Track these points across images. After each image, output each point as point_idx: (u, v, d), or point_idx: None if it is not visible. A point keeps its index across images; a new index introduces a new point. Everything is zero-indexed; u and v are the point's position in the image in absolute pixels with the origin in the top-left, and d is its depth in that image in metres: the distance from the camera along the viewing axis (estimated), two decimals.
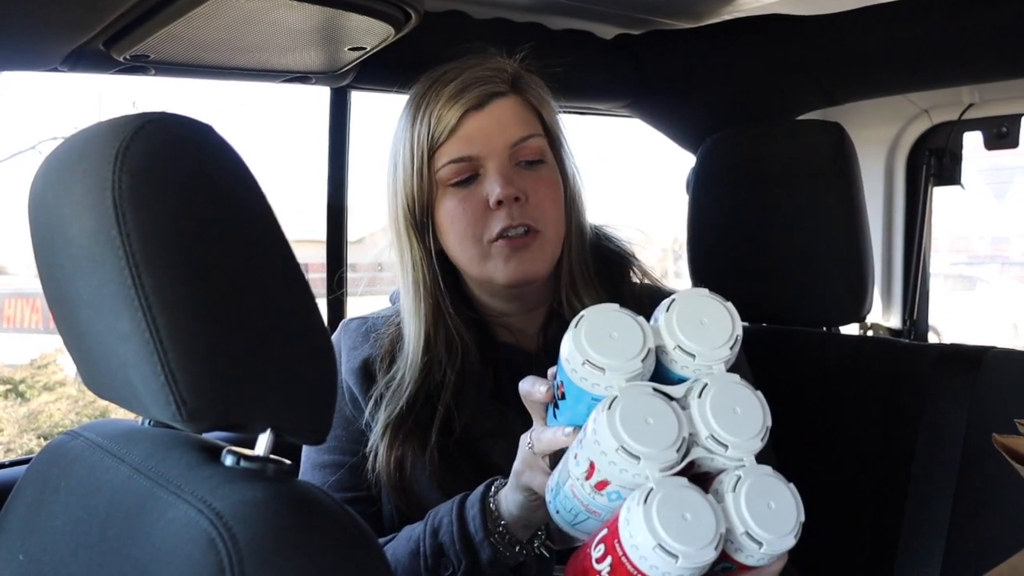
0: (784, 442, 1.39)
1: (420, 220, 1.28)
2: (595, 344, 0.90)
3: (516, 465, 1.08)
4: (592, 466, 0.88)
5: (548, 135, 1.31)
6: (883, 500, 1.54)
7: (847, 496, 1.58)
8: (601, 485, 0.88)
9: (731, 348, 0.92)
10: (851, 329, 1.92)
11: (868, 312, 1.68)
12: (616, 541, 0.84)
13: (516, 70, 1.30)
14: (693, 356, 0.91)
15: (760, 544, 0.85)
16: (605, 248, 1.40)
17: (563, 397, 0.95)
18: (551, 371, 1.00)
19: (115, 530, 0.80)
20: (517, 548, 1.14)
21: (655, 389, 0.89)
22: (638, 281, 1.42)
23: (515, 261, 1.25)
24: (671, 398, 0.89)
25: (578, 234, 1.34)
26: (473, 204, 1.25)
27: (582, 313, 0.93)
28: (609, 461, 0.86)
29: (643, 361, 0.90)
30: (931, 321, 2.39)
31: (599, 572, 0.87)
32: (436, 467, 1.26)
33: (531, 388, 1.03)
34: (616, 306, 0.93)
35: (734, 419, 0.89)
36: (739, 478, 0.87)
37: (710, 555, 0.82)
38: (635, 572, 0.83)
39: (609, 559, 0.85)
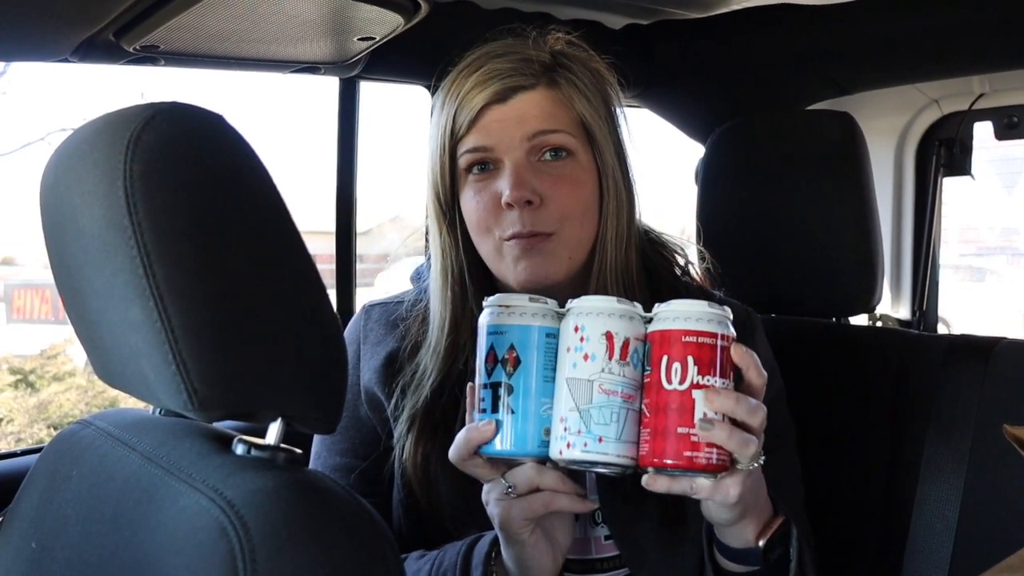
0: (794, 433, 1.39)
1: (446, 208, 1.25)
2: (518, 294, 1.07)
3: (499, 518, 1.07)
4: (610, 337, 1.01)
5: (585, 130, 1.24)
6: (893, 491, 1.54)
7: (857, 487, 1.58)
8: (624, 350, 1.01)
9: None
10: (860, 320, 1.92)
11: (877, 303, 1.67)
12: (683, 338, 0.99)
13: (553, 60, 1.24)
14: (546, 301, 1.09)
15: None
16: (652, 255, 1.33)
17: (518, 363, 1.03)
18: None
19: (126, 519, 0.81)
20: None
21: None
22: (679, 274, 1.36)
23: (525, 262, 1.21)
24: None
25: (618, 237, 1.25)
26: (487, 198, 1.21)
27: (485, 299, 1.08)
28: (619, 316, 1.01)
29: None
30: (940, 312, 2.38)
31: (692, 385, 0.99)
32: (454, 474, 1.19)
33: (467, 437, 1.05)
34: None
35: None
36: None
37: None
38: (713, 340, 0.99)
39: (690, 359, 0.99)
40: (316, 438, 1.34)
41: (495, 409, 1.04)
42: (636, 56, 1.94)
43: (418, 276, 1.37)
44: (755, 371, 1.02)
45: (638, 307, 1.03)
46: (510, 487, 1.06)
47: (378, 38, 1.45)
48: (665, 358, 0.99)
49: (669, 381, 0.99)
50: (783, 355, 1.38)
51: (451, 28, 1.46)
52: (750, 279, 1.70)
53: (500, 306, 1.05)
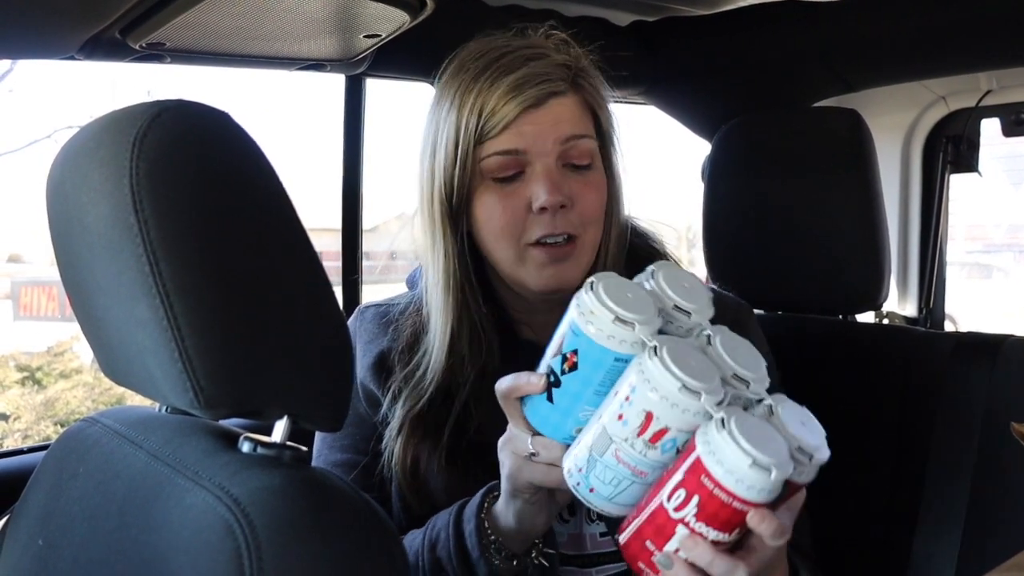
0: None
1: (456, 209, 1.22)
2: (618, 303, 0.95)
3: (509, 469, 1.06)
4: (649, 417, 0.90)
5: (600, 136, 1.25)
6: (900, 489, 1.53)
7: (864, 486, 1.58)
8: (658, 436, 0.91)
9: (712, 306, 1.02)
10: (867, 317, 1.91)
11: (884, 300, 1.67)
12: (702, 476, 0.87)
13: (577, 67, 1.23)
14: (689, 314, 1.00)
15: (811, 456, 0.92)
16: (635, 245, 1.34)
17: (574, 368, 0.97)
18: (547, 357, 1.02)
19: (133, 516, 0.81)
20: (515, 562, 1.12)
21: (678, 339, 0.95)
22: None
23: (551, 270, 1.20)
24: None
25: (617, 236, 1.28)
26: (514, 203, 1.19)
27: (592, 279, 0.97)
28: (671, 404, 0.89)
29: (659, 316, 0.97)
30: (947, 309, 2.38)
31: (681, 520, 0.89)
32: (445, 471, 1.23)
33: (516, 383, 1.03)
34: (614, 273, 0.99)
35: (746, 359, 0.97)
36: (771, 406, 0.94)
37: (791, 467, 0.88)
38: (730, 499, 0.86)
39: (695, 499, 0.88)
40: (317, 436, 1.34)
41: (544, 388, 1.00)
42: (642, 53, 1.94)
43: (413, 281, 1.36)
44: (768, 538, 0.90)
45: (705, 399, 0.90)
46: (534, 452, 1.04)
47: (384, 35, 1.45)
48: (681, 472, 0.90)
49: (669, 497, 0.90)
50: (789, 353, 1.37)
51: (457, 25, 1.46)
52: (756, 276, 1.70)
53: (588, 310, 0.96)
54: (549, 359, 1.01)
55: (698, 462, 0.88)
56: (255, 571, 0.68)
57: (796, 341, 1.69)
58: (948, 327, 2.44)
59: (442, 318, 1.25)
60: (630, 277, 1.28)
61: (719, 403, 0.90)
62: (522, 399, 1.04)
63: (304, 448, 0.81)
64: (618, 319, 0.93)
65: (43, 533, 0.95)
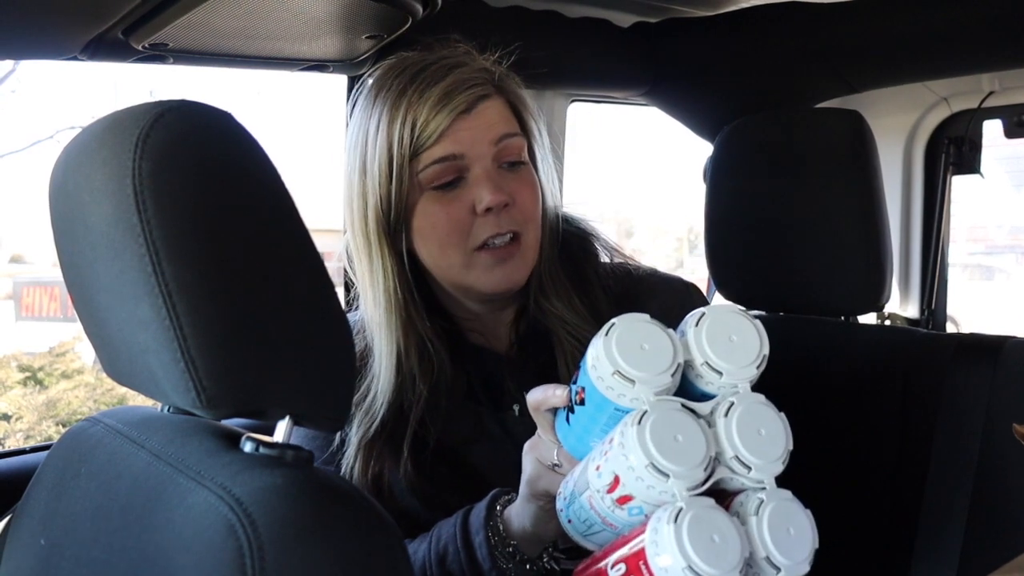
0: (801, 432, 1.38)
1: (394, 226, 1.22)
2: (626, 355, 0.89)
3: (530, 475, 1.06)
4: (616, 480, 0.87)
5: (526, 135, 1.27)
6: (902, 490, 1.54)
7: (865, 487, 1.58)
8: (624, 500, 0.87)
9: (758, 367, 0.92)
10: (869, 318, 1.91)
11: (886, 301, 1.67)
12: (641, 561, 0.84)
13: (498, 70, 1.25)
14: (720, 373, 0.91)
15: (778, 569, 0.86)
16: (565, 231, 1.34)
17: (582, 403, 0.94)
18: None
19: (135, 516, 0.81)
20: (528, 567, 1.12)
21: (683, 405, 0.89)
22: (607, 259, 1.36)
23: (499, 271, 1.21)
24: (698, 415, 0.89)
25: (551, 232, 1.29)
26: (457, 209, 1.19)
27: (613, 321, 0.92)
28: (636, 477, 0.85)
29: (672, 376, 0.90)
30: (949, 311, 2.38)
31: None
32: (412, 480, 1.23)
33: (544, 395, 1.02)
34: (647, 317, 0.92)
35: (758, 440, 0.89)
36: (761, 501, 0.87)
37: None
38: None
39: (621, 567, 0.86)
40: None
41: (566, 402, 0.99)
42: (644, 54, 1.94)
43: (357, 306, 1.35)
44: None
45: (673, 482, 0.84)
46: (557, 463, 1.04)
47: (386, 36, 1.45)
48: (628, 547, 0.87)
49: (612, 566, 0.88)
50: (791, 354, 1.37)
51: (459, 27, 1.46)
52: (759, 277, 1.70)
53: (595, 355, 0.91)
54: (573, 381, 0.98)
55: (642, 546, 0.84)
56: (257, 571, 0.68)
57: (798, 342, 1.69)
58: (950, 328, 2.44)
59: (387, 338, 1.24)
60: (569, 268, 1.27)
61: (693, 488, 0.85)
62: (554, 412, 1.04)
63: (307, 448, 0.81)
64: (618, 372, 0.89)
65: (45, 533, 0.95)
